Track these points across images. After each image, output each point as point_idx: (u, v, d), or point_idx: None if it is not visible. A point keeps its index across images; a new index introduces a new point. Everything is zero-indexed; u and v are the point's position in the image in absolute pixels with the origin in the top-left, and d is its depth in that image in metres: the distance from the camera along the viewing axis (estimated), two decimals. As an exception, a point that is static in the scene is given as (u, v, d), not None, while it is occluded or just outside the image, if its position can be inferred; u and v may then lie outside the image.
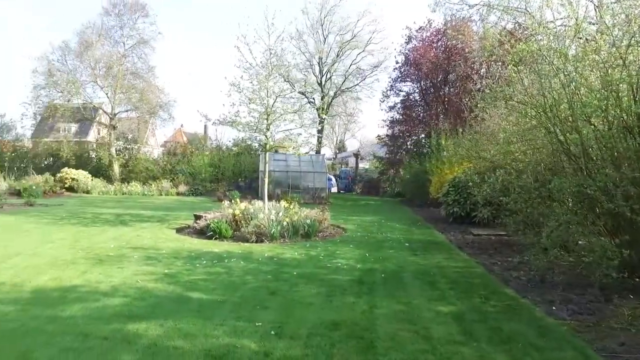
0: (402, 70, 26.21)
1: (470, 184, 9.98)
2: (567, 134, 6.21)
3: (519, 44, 7.19)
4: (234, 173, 27.70)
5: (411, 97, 26.74)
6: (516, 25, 14.94)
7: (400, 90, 27.24)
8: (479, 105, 11.02)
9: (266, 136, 11.41)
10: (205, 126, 40.24)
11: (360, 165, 38.92)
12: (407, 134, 26.03)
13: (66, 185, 24.14)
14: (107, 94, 29.83)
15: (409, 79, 26.29)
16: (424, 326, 4.56)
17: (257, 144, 29.78)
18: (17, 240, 8.99)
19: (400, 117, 26.39)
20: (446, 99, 23.54)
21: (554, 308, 5.20)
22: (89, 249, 8.29)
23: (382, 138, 28.61)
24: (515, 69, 7.37)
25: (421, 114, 25.82)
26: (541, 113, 6.55)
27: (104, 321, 4.47)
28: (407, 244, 9.68)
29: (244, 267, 7.03)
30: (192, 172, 27.08)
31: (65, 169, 25.46)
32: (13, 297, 5.23)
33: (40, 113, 30.55)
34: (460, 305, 5.32)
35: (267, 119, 11.23)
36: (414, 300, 5.50)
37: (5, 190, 19.34)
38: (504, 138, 8.34)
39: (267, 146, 11.55)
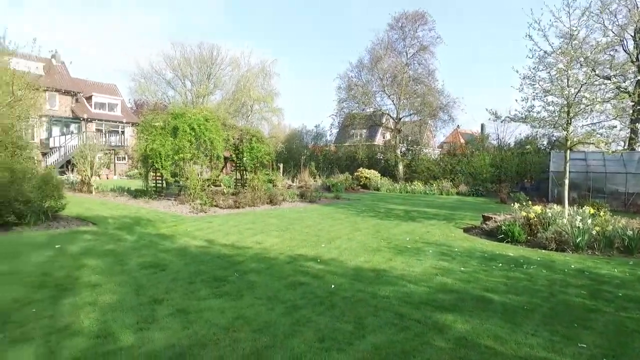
0: None
1: None
2: None
3: None
4: (518, 173, 25.83)
5: None
6: None
7: None
8: None
9: (567, 131, 10.02)
10: (482, 125, 39.09)
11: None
12: None
13: (361, 183, 28.17)
14: (392, 101, 33.27)
15: None
16: None
17: (545, 142, 26.74)
18: (335, 227, 11.06)
19: None
20: None
21: None
22: (389, 239, 9.35)
23: None
24: None
25: None
26: None
27: (413, 306, 4.92)
28: None
29: (547, 277, 6.36)
30: (472, 172, 26.80)
31: (360, 168, 29.79)
32: (342, 272, 6.44)
33: (341, 122, 36.88)
34: None
35: (568, 112, 9.87)
36: None
37: (320, 186, 24.36)
38: None
39: (569, 143, 10.10)
